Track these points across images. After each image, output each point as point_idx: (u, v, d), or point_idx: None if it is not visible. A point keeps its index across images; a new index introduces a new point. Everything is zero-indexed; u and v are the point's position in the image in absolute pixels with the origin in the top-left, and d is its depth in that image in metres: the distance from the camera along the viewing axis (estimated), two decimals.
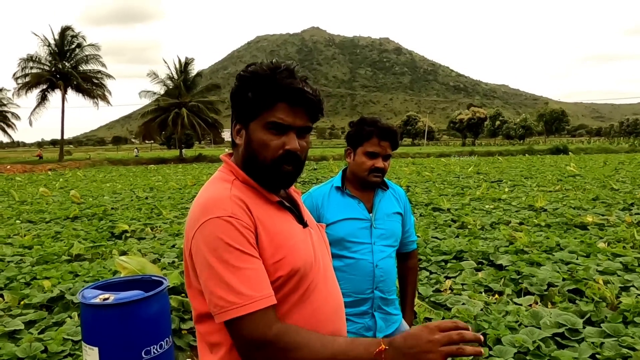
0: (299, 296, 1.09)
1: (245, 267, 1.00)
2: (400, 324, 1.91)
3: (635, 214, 8.30)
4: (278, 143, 1.10)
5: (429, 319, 3.76)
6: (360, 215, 1.83)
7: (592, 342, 3.29)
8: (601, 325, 3.57)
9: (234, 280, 0.99)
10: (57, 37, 39.11)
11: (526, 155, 38.91)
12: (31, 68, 38.64)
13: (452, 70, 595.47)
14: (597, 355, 3.15)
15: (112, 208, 10.87)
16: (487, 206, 9.58)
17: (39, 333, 3.74)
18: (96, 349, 2.92)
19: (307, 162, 1.21)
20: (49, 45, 38.75)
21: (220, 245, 1.00)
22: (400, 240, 1.96)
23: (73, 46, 40.05)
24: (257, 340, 0.98)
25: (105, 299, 3.02)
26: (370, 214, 1.85)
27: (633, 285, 4.46)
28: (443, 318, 3.78)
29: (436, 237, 6.75)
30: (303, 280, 1.10)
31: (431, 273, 5.19)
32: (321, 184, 1.95)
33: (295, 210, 1.19)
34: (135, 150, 58.78)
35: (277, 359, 0.99)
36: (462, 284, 4.71)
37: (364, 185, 1.86)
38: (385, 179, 1.92)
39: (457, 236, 6.88)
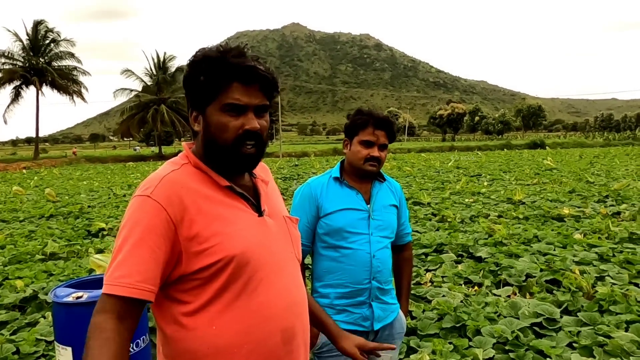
0: (242, 286, 1.06)
1: (136, 252, 0.99)
2: (398, 314, 1.95)
3: (610, 205, 8.48)
4: (237, 124, 1.07)
5: (410, 312, 3.77)
6: (358, 206, 1.85)
7: (569, 331, 3.34)
8: (578, 314, 3.63)
9: (120, 258, 1.00)
10: (30, 31, 38.12)
11: (504, 149, 39.47)
12: (3, 64, 37.59)
13: (431, 67, 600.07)
14: (574, 344, 3.19)
15: (89, 206, 10.64)
16: (466, 200, 9.68)
17: (10, 334, 3.63)
18: (69, 349, 2.84)
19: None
20: (21, 40, 37.74)
21: (129, 222, 1.02)
22: (395, 233, 2.00)
23: (47, 41, 39.07)
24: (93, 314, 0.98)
25: (78, 298, 2.94)
26: (368, 205, 1.86)
27: (608, 275, 4.54)
28: (424, 311, 3.80)
29: (417, 231, 6.78)
30: (244, 269, 1.06)
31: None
32: (319, 175, 1.97)
33: (250, 198, 1.14)
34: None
35: None
36: (443, 277, 4.74)
37: (361, 175, 1.87)
38: (381, 171, 1.95)
39: (438, 229, 6.93)
